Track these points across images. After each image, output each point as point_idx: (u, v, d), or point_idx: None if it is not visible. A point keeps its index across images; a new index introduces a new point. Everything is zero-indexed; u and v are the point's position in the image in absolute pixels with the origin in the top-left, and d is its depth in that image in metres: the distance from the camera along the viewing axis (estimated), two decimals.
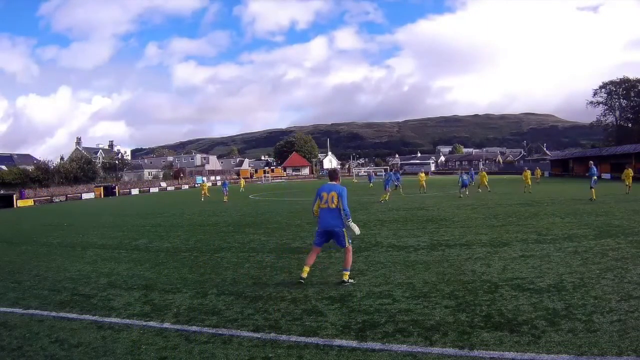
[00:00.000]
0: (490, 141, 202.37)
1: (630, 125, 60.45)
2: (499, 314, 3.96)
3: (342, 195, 5.37)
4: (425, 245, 7.74)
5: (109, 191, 45.70)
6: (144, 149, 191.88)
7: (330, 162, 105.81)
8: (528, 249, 7.03)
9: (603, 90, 62.20)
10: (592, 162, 17.91)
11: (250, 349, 3.44)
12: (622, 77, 60.41)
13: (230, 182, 31.89)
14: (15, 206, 33.78)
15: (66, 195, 40.37)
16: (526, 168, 23.45)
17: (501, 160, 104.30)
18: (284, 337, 3.67)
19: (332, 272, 5.99)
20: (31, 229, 14.96)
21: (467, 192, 19.92)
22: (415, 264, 6.23)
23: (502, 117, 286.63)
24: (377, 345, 3.39)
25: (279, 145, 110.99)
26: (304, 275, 5.41)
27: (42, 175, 44.96)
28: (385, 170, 65.99)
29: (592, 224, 9.60)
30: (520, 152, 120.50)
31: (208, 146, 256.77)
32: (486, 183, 22.93)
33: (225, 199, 23.65)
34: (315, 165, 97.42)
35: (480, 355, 3.14)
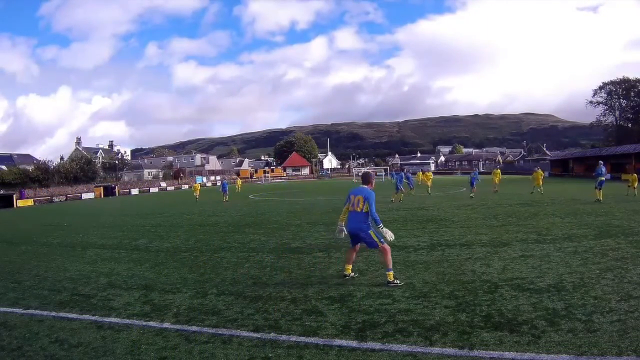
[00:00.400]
0: (490, 141, 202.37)
1: (630, 125, 60.49)
2: (499, 314, 3.96)
3: (369, 199, 5.27)
4: (425, 245, 7.74)
5: (108, 191, 45.67)
6: (144, 149, 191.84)
7: (330, 162, 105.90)
8: (528, 249, 7.03)
9: (603, 90, 62.27)
10: (601, 162, 16.89)
11: (250, 349, 3.45)
12: (622, 77, 60.54)
13: (230, 182, 31.84)
14: (15, 206, 33.76)
15: (66, 195, 40.35)
16: (537, 168, 22.11)
17: (501, 160, 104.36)
18: (284, 337, 3.67)
19: (333, 272, 5.99)
20: (31, 229, 14.96)
21: (471, 193, 19.51)
22: (415, 264, 6.23)
23: (502, 117, 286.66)
24: (377, 345, 3.39)
25: (279, 145, 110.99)
26: (347, 272, 5.55)
27: (42, 175, 44.93)
28: (385, 170, 66.11)
29: (592, 224, 9.60)
30: (520, 152, 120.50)
31: (208, 146, 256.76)
32: (497, 181, 22.43)
33: (225, 199, 23.62)
34: (315, 165, 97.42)
35: (480, 355, 3.14)
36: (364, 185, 5.53)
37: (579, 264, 5.79)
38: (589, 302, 4.17)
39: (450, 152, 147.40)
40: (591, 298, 4.31)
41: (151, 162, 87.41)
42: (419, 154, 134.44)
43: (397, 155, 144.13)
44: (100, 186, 46.30)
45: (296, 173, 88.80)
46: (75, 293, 5.48)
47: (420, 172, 33.79)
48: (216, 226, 12.41)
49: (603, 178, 15.65)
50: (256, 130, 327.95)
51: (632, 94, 59.65)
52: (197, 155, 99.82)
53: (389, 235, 5.19)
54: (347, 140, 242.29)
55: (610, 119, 63.12)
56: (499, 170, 24.35)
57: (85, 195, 42.34)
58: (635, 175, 17.53)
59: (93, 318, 4.41)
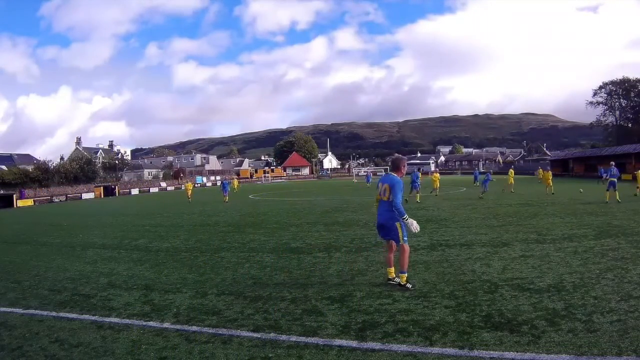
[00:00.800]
0: (490, 141, 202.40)
1: (630, 125, 60.51)
2: (499, 314, 3.96)
3: (394, 187, 4.85)
4: (425, 245, 7.73)
5: (108, 191, 45.70)
6: (144, 149, 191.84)
7: (330, 162, 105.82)
8: (528, 249, 7.02)
9: (603, 90, 62.30)
10: (613, 162, 16.32)
11: (250, 349, 3.45)
12: (622, 77, 60.55)
13: (230, 182, 31.75)
14: (15, 206, 33.78)
15: (66, 195, 40.36)
16: (548, 168, 21.79)
17: (501, 161, 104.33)
18: (284, 337, 3.67)
19: (333, 272, 5.99)
20: (31, 229, 14.95)
21: (481, 195, 18.98)
22: (415, 264, 6.22)
23: (502, 117, 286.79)
24: (377, 345, 3.39)
25: (279, 145, 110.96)
26: (390, 276, 5.17)
27: (42, 175, 44.95)
28: (385, 170, 66.13)
29: (592, 224, 9.60)
30: (520, 152, 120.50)
31: (208, 146, 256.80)
32: (512, 182, 22.18)
33: (225, 199, 23.57)
34: (315, 165, 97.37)
35: (480, 355, 3.14)
36: (393, 173, 5.11)
37: (579, 264, 5.79)
38: (589, 302, 4.17)
39: (450, 152, 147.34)
40: (591, 298, 4.31)
41: (151, 162, 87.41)
42: (419, 154, 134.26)
43: (397, 155, 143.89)
44: (100, 186, 46.32)
45: (296, 173, 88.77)
46: (75, 293, 5.48)
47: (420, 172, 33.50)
48: (216, 226, 12.40)
49: (614, 179, 15.06)
50: (256, 130, 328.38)
51: (632, 94, 59.67)
52: (197, 155, 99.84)
53: (414, 226, 4.78)
54: (347, 140, 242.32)
55: (610, 119, 63.19)
56: (512, 170, 24.10)
57: (85, 195, 42.35)
58: None
59: (93, 318, 4.40)
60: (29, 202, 36.05)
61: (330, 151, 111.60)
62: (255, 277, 5.92)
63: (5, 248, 10.17)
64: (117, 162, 64.12)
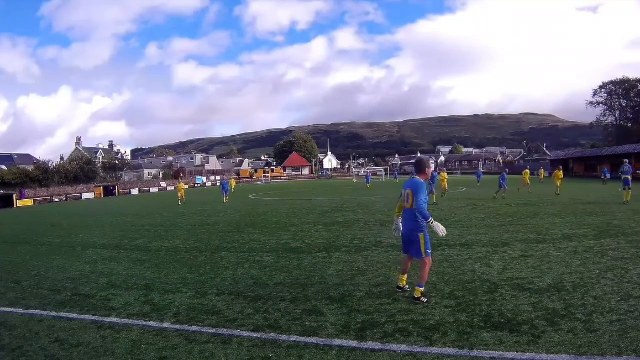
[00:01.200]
0: (490, 141, 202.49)
1: (630, 125, 60.45)
2: (499, 314, 3.96)
3: (416, 191, 4.43)
4: None
5: (108, 191, 45.70)
6: (144, 149, 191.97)
7: (330, 162, 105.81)
8: (528, 249, 7.02)
9: (603, 90, 62.24)
10: (626, 160, 15.76)
11: (250, 349, 3.45)
12: (622, 77, 60.52)
13: (229, 182, 31.63)
14: (15, 206, 33.78)
15: (66, 195, 40.36)
16: (560, 167, 20.85)
17: (501, 160, 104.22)
18: (284, 337, 3.67)
19: (333, 272, 5.99)
20: (31, 229, 14.95)
21: (496, 194, 18.30)
22: (415, 264, 6.20)
23: (502, 117, 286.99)
24: (377, 345, 3.39)
25: (279, 145, 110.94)
26: (401, 284, 4.86)
27: (42, 175, 44.94)
28: (386, 170, 66.01)
29: (592, 224, 9.60)
30: (520, 152, 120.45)
31: (208, 146, 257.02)
32: (528, 182, 21.91)
33: (225, 199, 23.54)
34: (315, 165, 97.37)
35: (480, 355, 3.14)
36: (417, 176, 4.63)
37: (579, 264, 5.78)
38: (589, 302, 4.17)
39: (450, 152, 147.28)
40: (591, 298, 4.31)
41: (151, 162, 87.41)
42: (419, 154, 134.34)
43: (397, 155, 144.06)
44: (100, 186, 46.32)
45: (296, 173, 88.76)
46: (75, 293, 5.48)
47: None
48: (216, 226, 12.40)
49: (628, 177, 14.45)
50: (256, 130, 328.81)
51: (632, 94, 59.62)
52: (197, 155, 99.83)
53: (441, 230, 4.40)
54: (347, 140, 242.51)
55: (610, 119, 63.12)
56: (528, 170, 23.75)
57: (85, 195, 42.35)
58: None
59: (93, 318, 4.41)
60: (29, 202, 36.05)
61: (330, 151, 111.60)
62: (255, 277, 5.92)
63: (5, 248, 10.17)
64: (117, 162, 64.15)
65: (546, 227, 9.30)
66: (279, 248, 8.17)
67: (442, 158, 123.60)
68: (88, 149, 74.26)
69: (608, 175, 30.94)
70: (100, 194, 44.02)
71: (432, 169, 4.72)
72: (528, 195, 19.26)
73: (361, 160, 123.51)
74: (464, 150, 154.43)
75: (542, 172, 33.73)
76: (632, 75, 60.22)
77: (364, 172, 57.21)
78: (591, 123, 66.04)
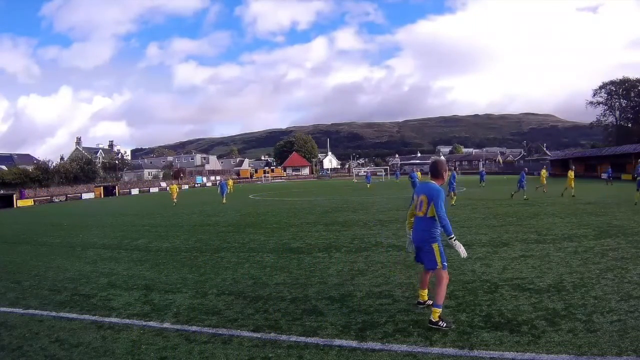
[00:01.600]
0: (490, 141, 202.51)
1: (630, 125, 60.42)
2: (499, 314, 3.96)
3: (434, 199, 3.86)
4: None
5: (108, 191, 45.71)
6: (144, 149, 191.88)
7: (330, 162, 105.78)
8: (528, 249, 7.02)
9: (603, 90, 62.20)
10: None
11: (250, 349, 3.45)
12: (622, 77, 60.50)
13: (227, 182, 31.44)
14: (15, 206, 33.78)
15: (66, 195, 40.37)
16: (573, 167, 19.82)
17: (501, 160, 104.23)
18: (284, 337, 3.67)
19: (333, 272, 5.99)
20: (31, 229, 14.95)
21: (513, 194, 17.84)
22: (415, 264, 6.19)
23: (502, 117, 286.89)
24: (377, 345, 3.39)
25: (279, 145, 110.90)
26: (422, 299, 4.35)
27: (42, 175, 44.97)
28: (385, 170, 65.97)
29: (592, 224, 9.60)
30: (520, 152, 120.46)
31: (208, 146, 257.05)
32: (545, 182, 21.27)
33: (223, 201, 23.31)
34: (315, 165, 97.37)
35: (480, 355, 3.14)
36: (431, 180, 4.09)
37: (579, 264, 5.78)
38: (589, 302, 4.17)
39: (450, 152, 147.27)
40: (591, 298, 4.30)
41: (151, 162, 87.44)
42: (419, 154, 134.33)
43: (397, 155, 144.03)
44: (100, 186, 46.33)
45: (296, 173, 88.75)
46: (75, 293, 5.48)
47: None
48: (216, 226, 12.40)
49: None
50: (256, 130, 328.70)
51: (632, 94, 59.59)
52: (197, 155, 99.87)
53: (462, 251, 3.85)
54: (347, 140, 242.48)
55: (610, 119, 63.08)
56: (545, 170, 23.29)
57: (85, 195, 42.36)
58: None
59: (93, 318, 4.41)
60: (29, 202, 36.05)
61: (330, 151, 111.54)
62: (255, 277, 5.92)
63: (5, 248, 10.17)
64: (117, 162, 64.18)
65: (546, 227, 9.30)
66: (279, 248, 8.17)
67: (442, 158, 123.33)
68: (88, 149, 74.28)
69: (605, 175, 30.76)
70: (100, 194, 44.02)
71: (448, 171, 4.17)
72: (544, 194, 18.97)
73: (361, 160, 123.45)
74: (464, 150, 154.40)
75: (544, 173, 31.74)
76: (632, 75, 60.17)
77: (364, 172, 57.18)
78: (591, 123, 66.01)
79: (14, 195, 35.39)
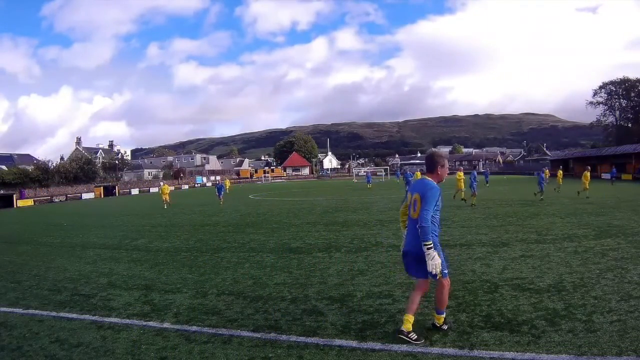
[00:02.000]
0: (490, 141, 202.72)
1: (630, 125, 60.41)
2: (499, 314, 3.96)
3: (425, 197, 3.38)
4: None
5: (108, 191, 45.72)
6: (144, 149, 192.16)
7: (330, 162, 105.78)
8: (528, 249, 7.02)
9: (603, 90, 62.20)
10: None
11: (250, 349, 3.44)
12: (622, 77, 60.49)
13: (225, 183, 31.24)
14: (15, 206, 33.79)
15: (66, 195, 40.38)
16: (588, 167, 18.95)
17: (501, 160, 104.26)
18: (284, 337, 3.67)
19: (333, 272, 5.98)
20: (31, 229, 14.96)
21: (537, 194, 17.15)
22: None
23: (502, 117, 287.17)
24: (377, 345, 3.39)
25: (279, 145, 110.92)
26: (438, 322, 3.70)
27: (42, 175, 44.99)
28: (385, 170, 65.93)
29: (592, 224, 9.60)
30: (520, 152, 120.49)
31: (208, 146, 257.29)
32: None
33: (221, 202, 22.87)
34: (315, 165, 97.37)
35: (480, 355, 3.14)
36: (426, 176, 3.60)
37: (579, 264, 5.78)
38: (589, 302, 4.17)
39: (450, 152, 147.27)
40: (591, 298, 4.30)
41: (151, 162, 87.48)
42: (419, 154, 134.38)
43: (397, 155, 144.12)
44: (100, 186, 46.35)
45: (296, 173, 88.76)
46: (75, 293, 5.48)
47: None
48: (216, 226, 12.40)
49: None
50: (256, 130, 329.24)
51: (632, 94, 59.57)
52: (197, 155, 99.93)
53: (433, 264, 3.29)
54: (348, 140, 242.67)
55: (610, 119, 63.09)
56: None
57: (85, 195, 42.37)
58: None
59: (93, 318, 4.40)
60: (29, 202, 36.06)
61: (330, 151, 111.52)
62: (255, 277, 5.92)
63: (5, 248, 10.17)
64: (117, 162, 64.21)
65: (546, 227, 9.29)
66: (279, 248, 8.17)
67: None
68: (88, 149, 74.33)
69: (609, 176, 30.60)
70: (100, 194, 44.03)
71: (447, 167, 3.65)
72: (558, 194, 18.55)
73: (361, 160, 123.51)
74: (464, 150, 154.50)
75: (547, 173, 30.26)
76: (632, 75, 60.23)
77: (364, 172, 57.16)
78: (591, 123, 66.01)
79: (14, 195, 35.40)
